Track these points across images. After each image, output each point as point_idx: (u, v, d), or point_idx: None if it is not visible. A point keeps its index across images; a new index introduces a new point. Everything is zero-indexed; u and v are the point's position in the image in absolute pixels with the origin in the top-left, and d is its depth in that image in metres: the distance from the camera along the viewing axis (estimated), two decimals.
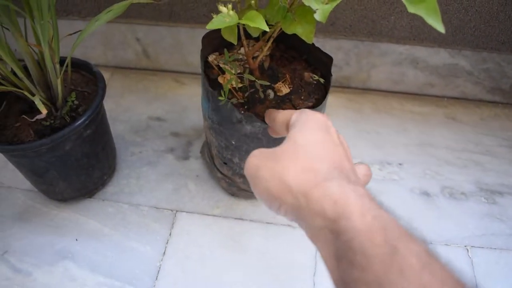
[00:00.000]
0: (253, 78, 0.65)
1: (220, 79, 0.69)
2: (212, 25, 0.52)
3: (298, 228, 0.67)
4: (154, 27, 0.96)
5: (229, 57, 0.67)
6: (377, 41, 0.92)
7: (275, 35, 0.64)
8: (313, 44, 0.72)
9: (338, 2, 0.51)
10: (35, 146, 0.66)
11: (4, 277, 0.75)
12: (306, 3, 0.51)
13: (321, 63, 0.72)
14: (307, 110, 0.40)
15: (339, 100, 1.00)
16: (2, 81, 0.69)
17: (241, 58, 0.73)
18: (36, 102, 0.61)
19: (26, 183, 0.87)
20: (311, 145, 0.35)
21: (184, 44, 0.99)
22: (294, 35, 0.58)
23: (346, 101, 1.00)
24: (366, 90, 1.03)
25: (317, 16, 0.50)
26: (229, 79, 0.63)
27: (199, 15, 0.93)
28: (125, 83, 1.03)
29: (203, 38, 0.71)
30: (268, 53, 0.74)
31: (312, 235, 0.32)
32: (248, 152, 0.68)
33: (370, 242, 0.26)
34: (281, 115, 0.44)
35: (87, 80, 0.79)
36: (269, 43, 0.67)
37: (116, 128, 0.93)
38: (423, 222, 0.80)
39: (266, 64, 0.73)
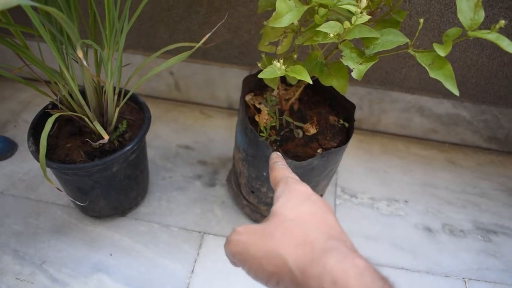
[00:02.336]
0: (290, 120, 0.74)
1: (256, 118, 0.78)
2: (264, 75, 0.61)
3: None
4: (189, 64, 1.05)
5: (269, 99, 0.76)
6: (389, 89, 1.03)
7: (306, 83, 0.74)
8: (337, 92, 0.82)
9: (372, 63, 0.61)
10: (89, 166, 0.74)
11: (43, 286, 0.81)
12: (344, 63, 0.61)
13: (343, 108, 0.82)
14: (290, 180, 0.41)
15: (351, 140, 1.10)
16: (61, 106, 0.78)
17: (273, 100, 0.82)
18: (97, 128, 0.69)
19: (62, 199, 0.94)
20: (301, 217, 0.35)
21: (214, 80, 1.08)
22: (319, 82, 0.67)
23: (357, 142, 1.10)
24: (375, 132, 1.13)
25: (354, 75, 0.60)
26: (271, 120, 0.72)
27: (230, 56, 1.03)
28: (156, 112, 1.12)
29: (244, 80, 0.80)
30: (298, 96, 0.84)
31: None
32: None
33: None
34: (274, 174, 0.45)
35: (131, 109, 0.87)
36: (301, 89, 0.76)
37: (149, 153, 1.00)
38: (425, 254, 0.88)
39: (296, 107, 0.82)
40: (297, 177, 0.43)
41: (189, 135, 1.08)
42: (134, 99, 0.86)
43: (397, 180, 1.02)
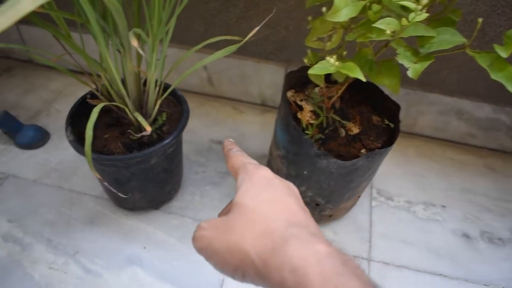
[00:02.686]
0: (337, 118, 0.72)
1: (299, 115, 0.77)
2: (315, 71, 0.60)
3: (350, 255, 0.75)
4: (223, 58, 1.03)
5: (315, 97, 0.74)
6: (427, 91, 1.00)
7: (351, 80, 0.72)
8: (381, 91, 0.80)
9: (429, 63, 0.59)
10: (128, 158, 0.73)
11: (76, 276, 0.80)
12: (400, 61, 0.59)
13: (386, 108, 0.80)
14: (248, 167, 0.39)
15: None
16: (101, 96, 0.77)
17: (319, 97, 0.81)
18: (139, 119, 0.68)
19: (95, 190, 0.94)
20: (261, 207, 0.34)
21: (248, 76, 1.07)
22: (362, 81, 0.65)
23: None
24: (411, 134, 1.10)
25: (410, 74, 0.58)
26: (318, 118, 0.71)
27: (266, 52, 1.01)
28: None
29: (286, 76, 0.78)
30: (340, 95, 0.82)
31: None
32: (318, 182, 0.76)
33: None
34: (231, 162, 0.43)
35: (168, 101, 0.86)
36: (344, 87, 0.74)
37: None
38: (463, 261, 0.86)
39: (337, 105, 0.80)
40: (255, 162, 0.41)
41: (222, 130, 1.07)
42: (172, 91, 0.85)
43: (433, 184, 1.00)
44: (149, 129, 0.66)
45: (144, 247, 0.84)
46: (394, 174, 1.00)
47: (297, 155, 0.75)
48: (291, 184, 0.38)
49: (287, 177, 0.80)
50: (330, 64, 0.59)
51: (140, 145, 0.78)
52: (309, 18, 0.71)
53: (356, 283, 0.26)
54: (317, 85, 0.83)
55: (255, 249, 0.31)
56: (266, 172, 0.38)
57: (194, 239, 0.36)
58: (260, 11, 0.94)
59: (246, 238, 0.31)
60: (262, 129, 1.07)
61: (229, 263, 0.32)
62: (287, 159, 0.78)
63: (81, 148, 0.73)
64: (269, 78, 1.06)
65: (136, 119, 0.76)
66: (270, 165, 0.87)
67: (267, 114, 1.12)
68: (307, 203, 0.83)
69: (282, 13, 0.94)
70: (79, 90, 1.18)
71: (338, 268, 0.27)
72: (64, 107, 1.14)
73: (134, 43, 0.48)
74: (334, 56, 0.60)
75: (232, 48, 0.65)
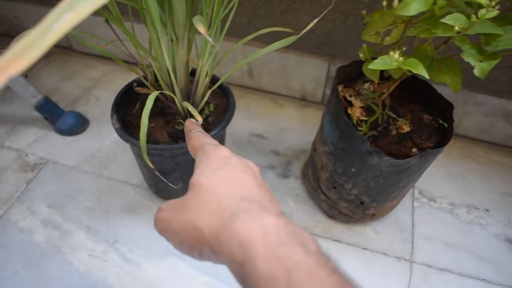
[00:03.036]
0: (393, 115, 0.70)
1: (349, 111, 0.75)
2: (375, 66, 0.58)
3: (392, 256, 0.72)
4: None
5: (369, 92, 0.72)
6: (474, 91, 0.97)
7: (404, 77, 0.70)
8: (434, 89, 0.78)
9: (496, 62, 0.56)
10: (176, 148, 0.72)
11: (115, 265, 0.80)
12: (465, 59, 0.57)
13: (437, 107, 0.77)
14: (207, 147, 0.40)
15: None
16: (149, 85, 0.76)
17: (364, 93, 0.79)
18: (190, 109, 0.67)
19: (134, 179, 0.93)
20: (216, 185, 0.34)
21: (290, 69, 1.05)
22: (413, 78, 0.63)
23: None
24: (454, 135, 1.07)
25: (477, 73, 0.56)
26: (375, 115, 0.69)
27: (311, 45, 0.99)
28: None
29: (337, 70, 0.77)
30: (391, 91, 0.80)
31: (235, 280, 0.30)
32: (365, 180, 0.74)
33: None
34: (191, 143, 0.44)
35: (213, 93, 0.85)
36: (396, 84, 0.72)
37: None
38: (508, 267, 0.83)
39: (387, 102, 0.78)
40: (215, 142, 0.42)
41: (261, 123, 1.06)
42: (217, 82, 0.84)
43: (477, 187, 0.97)
44: (200, 119, 0.65)
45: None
46: (437, 175, 0.98)
47: (346, 152, 0.73)
48: (250, 162, 0.39)
49: (333, 174, 0.79)
50: (393, 59, 0.57)
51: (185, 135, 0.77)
52: (364, 12, 0.69)
53: (299, 251, 0.26)
54: (367, 81, 0.81)
55: (209, 227, 0.31)
56: (223, 151, 0.39)
57: (155, 221, 0.37)
58: (306, 3, 0.92)
59: (200, 216, 0.32)
60: (301, 124, 1.06)
61: (186, 242, 0.33)
62: (334, 155, 0.76)
63: (127, 136, 0.73)
64: (311, 73, 1.04)
65: (184, 109, 0.75)
66: (313, 161, 0.86)
67: (307, 109, 1.10)
68: (350, 201, 0.82)
69: (329, 6, 0.92)
70: (118, 78, 1.19)
71: (283, 238, 0.27)
72: (103, 95, 1.14)
73: (202, 29, 0.46)
74: (398, 51, 0.58)
75: (290, 39, 0.63)
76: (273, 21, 0.97)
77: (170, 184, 0.72)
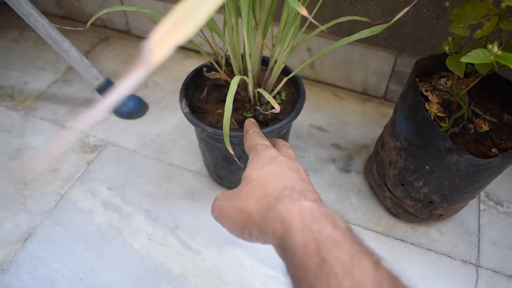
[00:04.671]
0: (479, 111, 0.67)
1: (427, 106, 0.72)
2: (469, 59, 0.55)
3: (457, 259, 0.69)
4: (330, 41, 1.00)
5: (454, 88, 0.69)
6: None
7: (485, 74, 0.67)
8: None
9: None
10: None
11: (176, 251, 0.80)
12: None
13: None
14: (259, 147, 0.46)
15: None
16: (220, 70, 0.75)
17: (440, 89, 0.76)
18: (265, 96, 0.65)
19: (194, 166, 0.93)
20: (263, 177, 0.40)
21: (353, 62, 1.02)
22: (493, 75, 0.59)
23: None
24: None
25: None
26: (460, 111, 0.66)
27: (378, 37, 0.96)
28: None
29: (416, 63, 0.74)
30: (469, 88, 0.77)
31: (277, 254, 0.35)
32: (439, 179, 0.71)
33: (305, 255, 0.29)
34: (247, 143, 0.51)
35: (280, 80, 0.83)
36: (477, 80, 0.69)
37: None
38: None
39: (465, 99, 0.75)
40: (268, 143, 0.48)
41: (322, 116, 1.03)
42: (286, 71, 0.82)
43: None
44: (277, 107, 0.63)
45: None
46: (504, 178, 0.94)
47: (421, 148, 0.70)
48: (296, 163, 0.44)
49: (404, 170, 0.76)
50: (489, 53, 0.54)
51: None
52: (447, 3, 0.66)
53: (328, 227, 0.30)
54: (443, 76, 0.78)
55: (256, 210, 0.37)
56: (272, 151, 0.45)
57: (211, 209, 0.43)
58: None
59: (249, 202, 0.38)
60: (363, 118, 1.03)
61: (237, 224, 0.39)
62: (407, 151, 0.73)
63: (197, 121, 0.72)
64: (375, 66, 1.01)
65: (254, 96, 0.74)
66: (379, 156, 0.83)
67: (368, 104, 1.07)
68: (418, 200, 0.79)
69: None
70: (177, 64, 1.19)
71: (316, 217, 0.32)
72: (162, 80, 1.13)
73: (304, 11, 0.44)
74: (495, 44, 0.55)
75: (378, 28, 0.60)
76: (341, 11, 0.94)
77: (242, 166, 0.71)
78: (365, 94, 1.09)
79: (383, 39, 0.96)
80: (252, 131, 0.52)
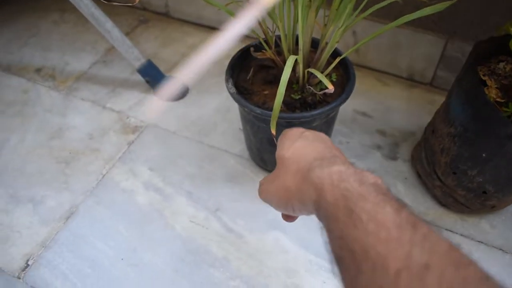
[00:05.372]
0: None
1: (486, 91, 0.68)
2: None
3: (510, 253, 0.67)
4: (376, 24, 0.97)
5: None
6: None
7: None
8: None
9: None
10: (295, 117, 0.69)
11: (218, 233, 0.79)
12: None
13: None
14: (285, 130, 0.49)
15: None
16: (269, 50, 0.73)
17: (499, 73, 0.72)
18: (318, 76, 0.63)
19: (236, 148, 0.91)
20: (294, 153, 0.43)
21: (400, 46, 0.99)
22: None
23: None
24: None
25: None
26: None
27: (427, 20, 0.92)
28: None
29: (475, 46, 0.70)
30: None
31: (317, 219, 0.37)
32: (496, 168, 0.68)
33: (336, 210, 0.32)
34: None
35: (329, 63, 0.81)
36: None
37: None
38: None
39: None
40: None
41: (365, 101, 1.00)
42: (335, 54, 0.79)
43: None
44: (331, 87, 0.61)
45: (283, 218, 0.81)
46: None
47: (478, 134, 0.67)
48: (322, 134, 0.46)
49: (457, 157, 0.73)
50: None
51: (301, 105, 0.73)
52: None
53: (355, 184, 0.33)
54: (501, 60, 0.74)
55: (294, 184, 0.39)
56: (297, 129, 0.48)
57: (258, 193, 0.47)
58: None
59: (287, 179, 0.41)
60: (408, 105, 0.99)
61: (281, 200, 0.42)
62: (462, 137, 0.70)
63: (244, 102, 0.70)
64: (423, 50, 0.97)
65: (304, 77, 0.71)
66: (429, 143, 0.80)
67: (414, 90, 1.03)
68: (471, 189, 0.75)
69: None
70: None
71: (344, 177, 0.34)
72: None
73: None
74: None
75: (441, 5, 0.57)
76: None
77: None
78: (410, 80, 1.05)
79: (433, 21, 0.92)
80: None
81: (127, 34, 1.23)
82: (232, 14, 0.69)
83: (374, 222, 0.29)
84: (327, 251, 0.34)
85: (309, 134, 0.45)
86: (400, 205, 0.31)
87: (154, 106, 1.01)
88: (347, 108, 0.98)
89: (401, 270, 0.25)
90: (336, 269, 0.32)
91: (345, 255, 0.30)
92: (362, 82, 1.04)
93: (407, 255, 0.26)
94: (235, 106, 0.80)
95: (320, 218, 0.36)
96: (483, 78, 0.71)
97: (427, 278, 0.24)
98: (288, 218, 0.52)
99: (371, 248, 0.28)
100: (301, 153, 0.42)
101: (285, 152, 0.44)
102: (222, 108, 1.00)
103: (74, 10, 0.93)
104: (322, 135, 0.46)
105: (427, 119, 0.83)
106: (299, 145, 0.43)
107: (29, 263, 0.77)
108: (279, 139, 0.48)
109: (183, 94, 1.03)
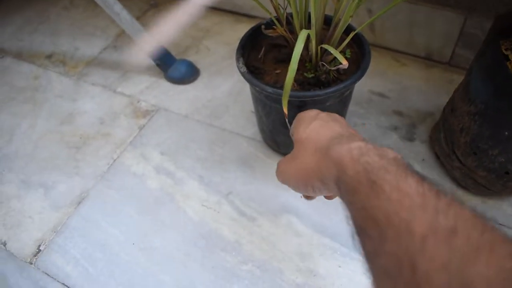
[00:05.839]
0: None
1: (509, 65, 0.65)
2: None
3: None
4: (392, 2, 0.93)
5: None
6: None
7: None
8: None
9: None
10: (308, 96, 0.66)
11: (230, 217, 0.77)
12: None
13: None
14: (300, 113, 0.50)
15: None
16: (280, 27, 0.70)
17: None
18: (332, 51, 0.60)
19: (248, 131, 0.89)
20: (311, 134, 0.43)
21: (417, 24, 0.95)
22: None
23: None
24: None
25: None
26: None
27: None
28: None
29: (496, 18, 0.67)
30: None
31: (339, 196, 0.38)
32: None
33: (357, 183, 0.32)
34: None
35: (342, 40, 0.78)
36: None
37: None
38: None
39: None
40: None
41: (382, 81, 0.97)
42: (348, 30, 0.76)
43: None
44: (345, 62, 0.58)
45: (301, 197, 0.79)
46: None
47: (500, 112, 0.64)
48: (337, 115, 0.47)
49: (477, 137, 0.70)
50: None
51: (315, 84, 0.71)
52: None
53: (376, 158, 0.33)
54: None
55: (313, 163, 0.40)
56: (312, 111, 0.48)
57: (276, 176, 0.47)
58: None
59: (305, 159, 0.41)
60: (426, 85, 0.96)
61: (301, 181, 0.42)
62: (483, 115, 0.67)
63: (255, 81, 0.68)
64: (441, 28, 0.93)
65: (317, 54, 0.69)
66: (447, 123, 0.77)
67: (432, 70, 1.00)
68: (492, 170, 0.72)
69: None
70: (227, 29, 1.15)
71: (364, 152, 0.34)
72: (213, 45, 1.10)
73: None
74: None
75: None
76: None
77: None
78: (428, 59, 1.01)
79: None
80: None
81: (138, 18, 1.21)
82: None
83: (397, 191, 0.29)
84: (348, 225, 0.34)
85: (324, 115, 0.46)
86: (421, 177, 0.31)
87: (165, 90, 0.99)
88: (363, 89, 0.95)
89: (427, 235, 0.25)
90: (357, 243, 0.32)
91: (368, 224, 0.30)
92: (378, 62, 1.01)
93: (432, 220, 0.26)
94: (247, 88, 0.78)
95: (341, 193, 0.36)
96: (506, 52, 0.67)
97: (455, 241, 0.24)
98: (308, 197, 0.53)
99: (395, 215, 0.28)
100: (318, 133, 0.42)
101: (302, 133, 0.44)
102: (234, 91, 0.98)
103: None
104: (337, 116, 0.47)
105: (446, 99, 0.80)
106: (315, 126, 0.44)
107: (40, 248, 0.76)
108: (294, 122, 0.49)
109: (195, 77, 1.01)
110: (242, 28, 1.09)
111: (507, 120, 0.64)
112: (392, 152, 0.35)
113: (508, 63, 0.65)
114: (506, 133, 0.65)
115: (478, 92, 0.68)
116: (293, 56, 0.53)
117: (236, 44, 0.74)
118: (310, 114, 0.47)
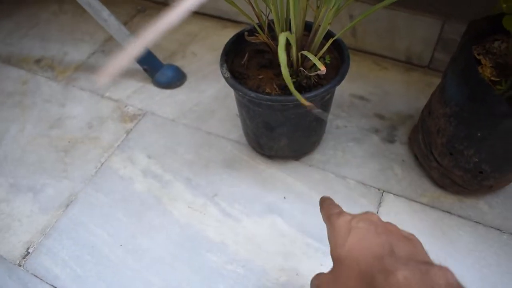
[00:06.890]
0: None
1: (480, 70, 0.68)
2: None
3: (507, 232, 0.66)
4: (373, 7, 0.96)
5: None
6: None
7: None
8: None
9: None
10: (288, 100, 0.68)
11: (215, 219, 0.79)
12: None
13: None
14: (332, 218, 0.44)
15: None
16: (262, 34, 0.73)
17: (494, 52, 0.71)
18: (311, 58, 0.62)
19: (233, 134, 0.91)
20: (351, 252, 0.39)
21: (397, 29, 0.98)
22: None
23: None
24: None
25: None
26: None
27: (425, 2, 0.92)
28: None
29: (469, 25, 0.70)
30: None
31: None
32: (492, 147, 0.68)
33: None
34: (322, 213, 0.48)
35: (323, 45, 0.80)
36: None
37: None
38: None
39: None
40: (339, 210, 0.46)
41: (363, 85, 1.00)
42: (328, 36, 0.79)
43: None
44: (323, 68, 0.60)
45: (284, 197, 0.81)
46: None
47: (473, 114, 0.67)
48: (369, 215, 0.42)
49: (453, 138, 0.72)
50: None
51: (296, 88, 0.73)
52: None
53: None
54: (496, 39, 0.74)
55: None
56: (344, 218, 0.43)
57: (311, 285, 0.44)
58: None
59: (350, 284, 0.37)
60: (406, 88, 0.99)
61: None
62: (458, 117, 0.70)
63: (239, 86, 0.70)
64: (421, 33, 0.96)
65: (297, 60, 0.71)
66: (425, 125, 0.80)
67: (412, 73, 1.03)
68: (467, 170, 0.75)
69: None
70: (214, 34, 1.17)
71: (412, 285, 0.32)
72: (200, 50, 1.12)
73: None
74: None
75: None
76: None
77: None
78: (408, 63, 1.04)
79: (430, 4, 0.91)
80: (327, 203, 0.50)
81: (125, 23, 1.23)
82: (232, 3, 0.70)
83: None
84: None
85: (358, 224, 0.41)
86: None
87: (152, 94, 1.01)
88: (344, 93, 0.98)
89: None
90: None
91: None
92: (360, 66, 1.04)
93: None
94: (232, 92, 0.80)
95: None
96: (478, 57, 0.70)
97: None
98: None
99: None
100: (357, 251, 0.39)
101: (340, 251, 0.40)
102: (220, 95, 1.00)
103: (72, 0, 0.93)
104: (369, 216, 0.43)
105: (425, 101, 0.83)
106: (352, 242, 0.40)
107: (29, 250, 0.78)
108: (328, 233, 0.45)
109: (181, 81, 1.03)
110: (228, 33, 1.12)
111: (479, 122, 0.66)
112: (443, 274, 0.33)
113: (480, 67, 0.68)
114: (479, 134, 0.68)
115: (453, 95, 0.70)
116: (280, 62, 0.55)
117: (221, 49, 0.76)
118: (342, 223, 0.42)
